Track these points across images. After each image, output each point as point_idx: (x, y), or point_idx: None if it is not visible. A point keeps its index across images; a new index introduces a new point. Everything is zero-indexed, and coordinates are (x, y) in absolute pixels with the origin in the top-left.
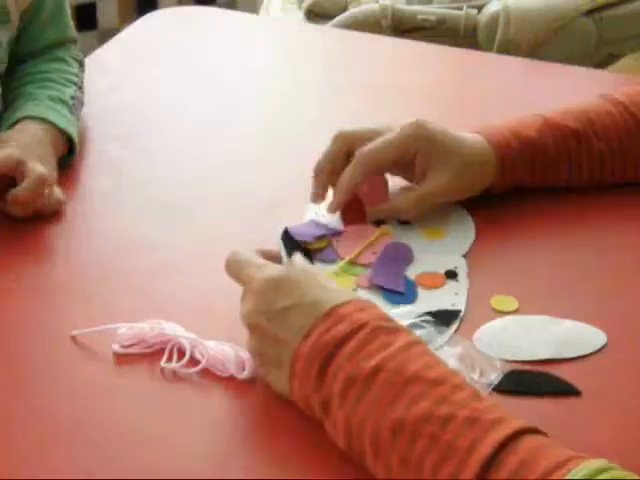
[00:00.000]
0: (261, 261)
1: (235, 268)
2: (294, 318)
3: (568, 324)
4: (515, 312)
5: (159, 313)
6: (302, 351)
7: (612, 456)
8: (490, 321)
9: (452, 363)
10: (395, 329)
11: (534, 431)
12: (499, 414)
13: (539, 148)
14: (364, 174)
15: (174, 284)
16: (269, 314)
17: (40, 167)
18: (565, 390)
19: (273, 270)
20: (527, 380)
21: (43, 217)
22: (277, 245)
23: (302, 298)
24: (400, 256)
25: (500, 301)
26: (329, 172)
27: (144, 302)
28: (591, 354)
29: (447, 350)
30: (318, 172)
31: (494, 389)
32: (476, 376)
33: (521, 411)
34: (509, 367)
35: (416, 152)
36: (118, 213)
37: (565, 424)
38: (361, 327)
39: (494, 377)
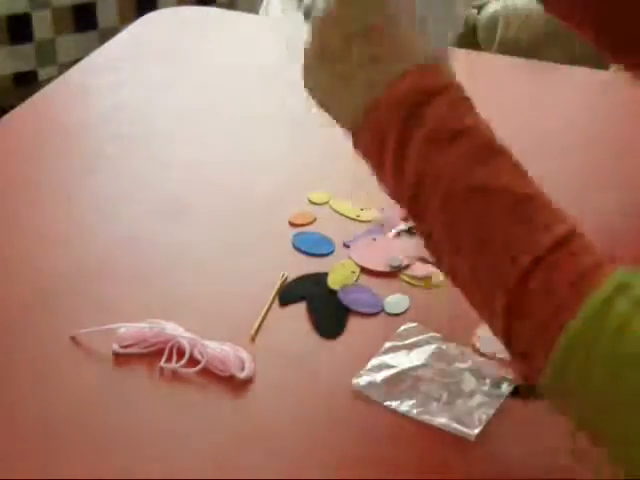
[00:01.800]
0: None
1: None
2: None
3: None
4: None
5: (159, 313)
6: (409, 77)
7: None
8: None
9: (462, 377)
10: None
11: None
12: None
13: None
14: None
15: (174, 284)
16: (365, 29)
17: None
18: None
19: None
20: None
21: (42, 217)
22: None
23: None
24: None
25: None
26: None
27: (144, 302)
28: None
29: (457, 365)
30: None
31: (507, 397)
32: (486, 388)
33: (532, 414)
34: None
35: None
36: (118, 212)
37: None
38: (455, 85)
39: (505, 387)
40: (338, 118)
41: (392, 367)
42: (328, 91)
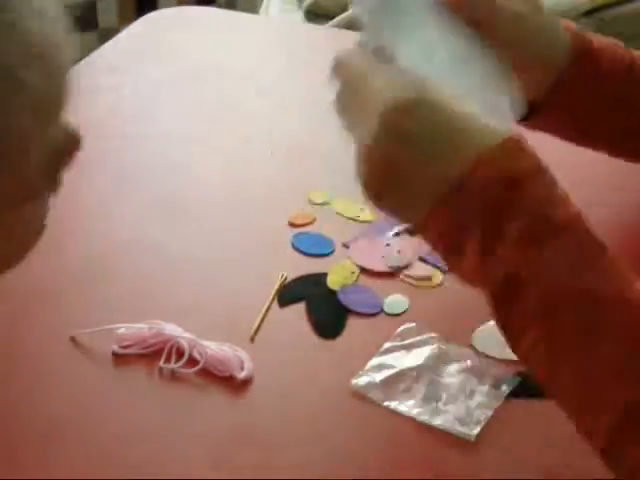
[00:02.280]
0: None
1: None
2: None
3: None
4: None
5: (158, 313)
6: (486, 162)
7: None
8: (489, 320)
9: (462, 377)
10: None
11: None
12: None
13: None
14: None
15: (173, 284)
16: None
17: None
18: None
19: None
20: (538, 387)
21: None
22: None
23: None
24: None
25: None
26: None
27: (143, 302)
28: None
29: (457, 365)
30: None
31: (506, 397)
32: (486, 388)
33: (532, 414)
34: (518, 373)
35: None
36: (118, 213)
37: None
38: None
39: (505, 387)
40: (401, 212)
41: (391, 367)
42: (393, 192)
